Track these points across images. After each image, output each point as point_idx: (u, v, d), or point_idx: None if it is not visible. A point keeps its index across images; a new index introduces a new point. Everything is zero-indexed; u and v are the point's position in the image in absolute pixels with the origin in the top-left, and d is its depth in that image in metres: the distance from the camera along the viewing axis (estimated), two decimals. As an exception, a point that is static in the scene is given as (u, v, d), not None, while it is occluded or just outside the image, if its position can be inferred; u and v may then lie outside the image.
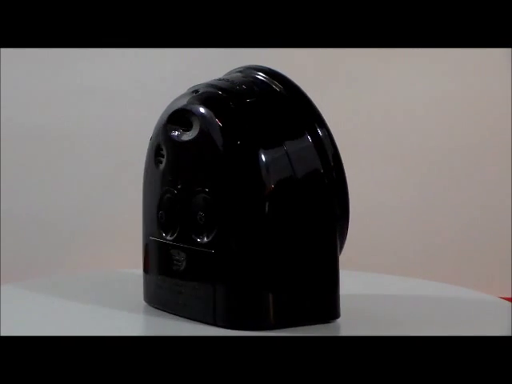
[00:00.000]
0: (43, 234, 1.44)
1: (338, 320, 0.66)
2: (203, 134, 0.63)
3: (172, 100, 0.68)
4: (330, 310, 0.65)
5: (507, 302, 0.72)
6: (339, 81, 1.46)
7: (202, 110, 0.63)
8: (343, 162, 0.71)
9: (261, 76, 0.66)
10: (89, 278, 0.88)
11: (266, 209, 0.62)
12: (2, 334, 0.59)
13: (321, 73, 1.44)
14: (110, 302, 0.72)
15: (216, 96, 0.64)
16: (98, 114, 1.44)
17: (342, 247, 0.67)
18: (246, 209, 0.62)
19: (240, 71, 0.68)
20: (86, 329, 0.64)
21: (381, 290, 0.80)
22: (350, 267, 0.88)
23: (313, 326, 0.64)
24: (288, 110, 0.65)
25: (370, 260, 1.41)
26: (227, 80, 0.66)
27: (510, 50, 1.30)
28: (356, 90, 1.46)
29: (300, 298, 0.63)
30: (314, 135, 0.65)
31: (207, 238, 0.63)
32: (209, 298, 0.63)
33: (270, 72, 0.66)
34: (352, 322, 0.66)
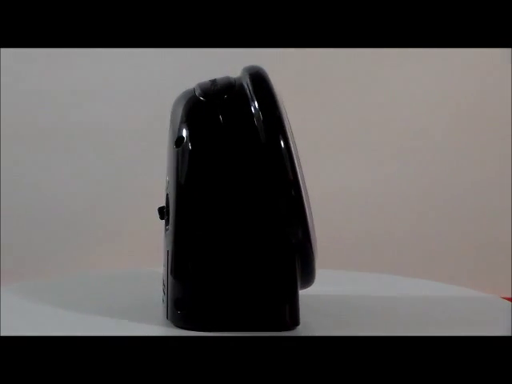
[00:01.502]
0: (43, 234, 1.44)
1: (338, 320, 0.66)
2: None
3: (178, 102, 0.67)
4: (280, 318, 0.62)
5: (507, 301, 0.72)
6: (339, 81, 1.46)
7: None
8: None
9: (246, 78, 0.65)
10: (89, 278, 0.89)
11: (208, 206, 0.62)
12: (2, 334, 0.59)
13: (321, 73, 1.44)
14: (111, 302, 0.73)
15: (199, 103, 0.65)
16: (99, 114, 1.44)
17: (305, 252, 0.62)
18: (190, 206, 0.62)
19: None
20: (86, 329, 0.64)
21: (380, 289, 0.80)
22: (349, 267, 0.88)
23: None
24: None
25: (369, 260, 1.41)
26: (214, 80, 0.66)
27: (510, 50, 1.30)
28: (356, 90, 1.46)
29: (245, 302, 0.61)
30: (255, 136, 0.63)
31: (168, 234, 0.63)
32: (167, 295, 0.63)
33: (253, 75, 0.65)
34: (352, 322, 0.66)
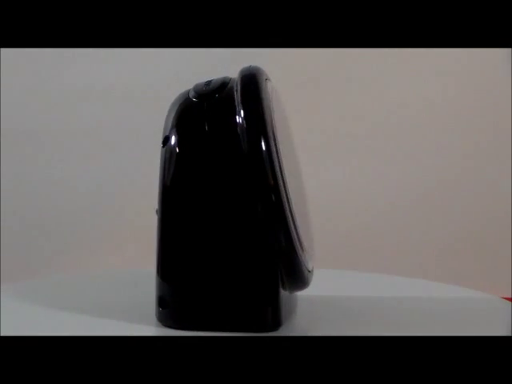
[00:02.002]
0: (43, 234, 1.44)
1: (338, 319, 0.66)
2: None
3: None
4: (260, 319, 0.62)
5: (507, 301, 0.72)
6: (339, 81, 1.46)
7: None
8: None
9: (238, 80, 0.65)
10: (89, 278, 0.89)
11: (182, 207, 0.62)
12: (2, 334, 0.59)
13: (321, 73, 1.44)
14: (111, 302, 0.73)
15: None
16: (97, 114, 1.44)
17: (288, 248, 0.61)
18: (173, 207, 0.63)
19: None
20: (87, 329, 0.64)
21: (380, 289, 0.80)
22: (349, 267, 0.88)
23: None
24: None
25: (369, 260, 1.41)
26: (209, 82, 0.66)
27: (509, 50, 1.30)
28: (356, 90, 1.47)
29: (225, 303, 0.62)
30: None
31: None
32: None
33: (244, 77, 0.65)
34: (352, 322, 0.66)
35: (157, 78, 1.44)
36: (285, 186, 0.61)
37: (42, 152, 1.44)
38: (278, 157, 0.61)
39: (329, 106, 1.44)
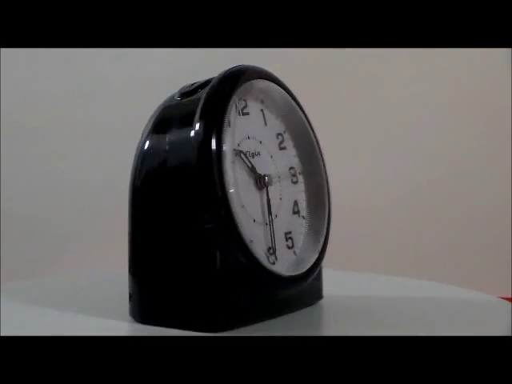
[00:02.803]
0: (44, 234, 1.44)
1: (342, 320, 0.66)
2: None
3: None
4: (209, 320, 0.61)
5: (507, 301, 0.72)
6: (339, 81, 1.46)
7: None
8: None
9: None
10: (89, 278, 0.89)
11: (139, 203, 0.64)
12: (2, 334, 0.59)
13: (320, 73, 1.44)
14: (111, 302, 0.73)
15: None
16: (96, 114, 1.44)
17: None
18: (133, 206, 0.65)
19: None
20: (87, 329, 0.64)
21: (380, 290, 0.80)
22: (349, 267, 0.88)
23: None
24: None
25: (369, 260, 1.42)
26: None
27: (509, 50, 1.30)
28: (355, 90, 1.47)
29: (178, 303, 0.62)
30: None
31: None
32: None
33: (216, 79, 0.65)
34: (351, 322, 0.66)
35: (157, 78, 1.44)
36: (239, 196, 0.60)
37: (42, 151, 1.44)
38: (223, 167, 0.59)
39: (328, 106, 1.44)
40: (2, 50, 1.39)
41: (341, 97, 1.46)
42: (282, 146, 0.68)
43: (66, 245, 1.46)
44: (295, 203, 0.68)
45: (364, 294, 0.76)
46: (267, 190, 0.64)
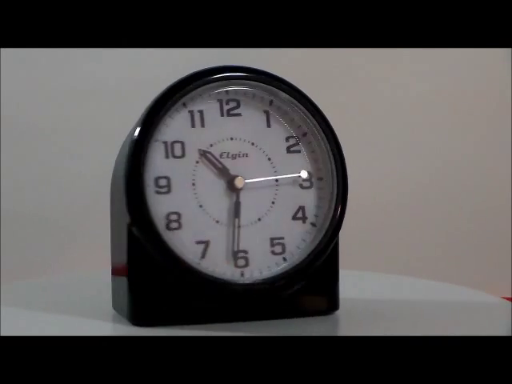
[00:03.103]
0: (44, 233, 1.44)
1: (341, 320, 0.66)
2: None
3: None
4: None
5: (507, 301, 0.72)
6: (339, 81, 1.46)
7: None
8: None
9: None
10: (89, 278, 0.88)
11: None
12: (2, 334, 0.59)
13: (320, 73, 1.44)
14: (108, 302, 0.72)
15: None
16: (96, 114, 1.44)
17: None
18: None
19: None
20: (87, 329, 0.64)
21: (380, 289, 0.80)
22: (349, 267, 0.88)
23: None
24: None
25: (369, 260, 1.41)
26: None
27: (509, 50, 1.30)
28: (356, 90, 1.47)
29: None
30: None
31: None
32: None
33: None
34: (351, 322, 0.66)
35: (156, 79, 1.44)
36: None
37: (42, 151, 1.44)
38: (142, 176, 0.63)
39: (329, 106, 1.43)
40: (2, 50, 1.38)
41: (341, 97, 1.45)
42: (294, 149, 0.66)
43: (66, 245, 1.46)
44: (300, 209, 0.66)
45: (363, 294, 0.76)
46: (238, 192, 0.63)
